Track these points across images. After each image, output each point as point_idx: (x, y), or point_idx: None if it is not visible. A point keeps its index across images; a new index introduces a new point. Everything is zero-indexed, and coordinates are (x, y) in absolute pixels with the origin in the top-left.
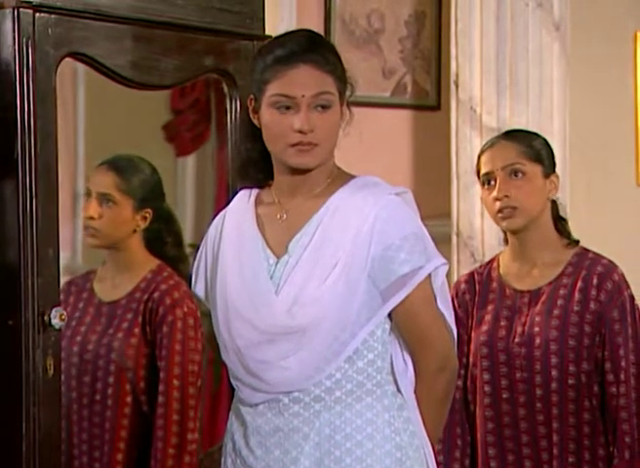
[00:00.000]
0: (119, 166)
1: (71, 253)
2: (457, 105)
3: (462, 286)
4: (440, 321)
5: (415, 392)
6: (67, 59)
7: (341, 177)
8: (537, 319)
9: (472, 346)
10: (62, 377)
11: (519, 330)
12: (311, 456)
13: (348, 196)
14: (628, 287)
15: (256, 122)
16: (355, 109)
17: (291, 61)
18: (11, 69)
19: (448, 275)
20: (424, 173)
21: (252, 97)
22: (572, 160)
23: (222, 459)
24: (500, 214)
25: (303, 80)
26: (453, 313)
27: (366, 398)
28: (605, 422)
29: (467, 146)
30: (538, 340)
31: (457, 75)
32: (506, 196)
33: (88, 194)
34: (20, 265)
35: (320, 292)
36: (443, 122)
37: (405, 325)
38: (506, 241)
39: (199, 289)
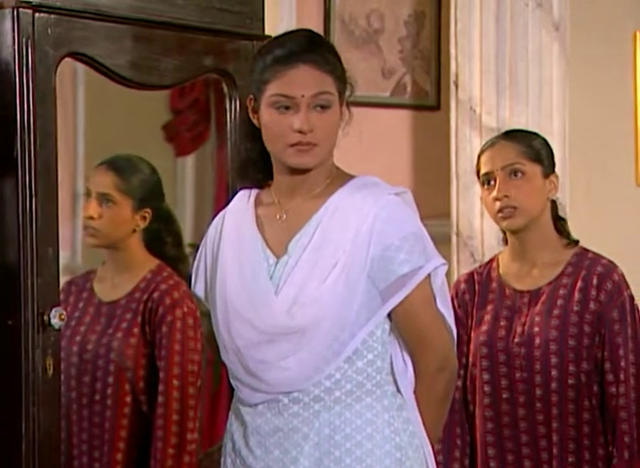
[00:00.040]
0: (119, 166)
1: (71, 252)
2: (456, 105)
3: (462, 286)
4: (440, 321)
5: (414, 392)
6: (67, 59)
7: (341, 178)
8: (536, 319)
9: (472, 346)
10: (62, 377)
11: (519, 330)
12: (311, 456)
13: (348, 196)
14: (628, 287)
15: (255, 122)
16: (355, 109)
17: (290, 61)
18: (10, 69)
19: (447, 275)
20: (424, 173)
21: (251, 96)
22: (571, 160)
23: (222, 459)
24: (499, 214)
25: (303, 80)
26: (452, 313)
27: (365, 398)
28: (604, 422)
29: (467, 146)
30: (537, 340)
31: (456, 75)
32: (506, 196)
33: (87, 194)
34: (19, 265)
35: (320, 293)
36: (443, 122)
37: (404, 325)
38: (506, 241)
39: (199, 289)
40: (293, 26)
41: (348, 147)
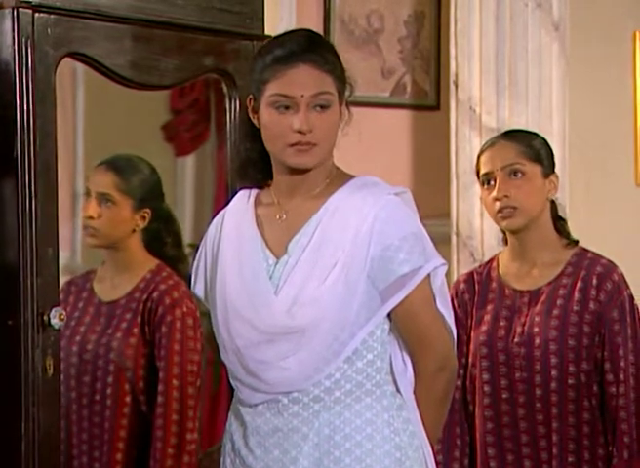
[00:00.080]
0: (118, 166)
1: (71, 252)
2: (456, 105)
3: (462, 285)
4: (439, 321)
5: (414, 392)
6: (67, 59)
7: (340, 178)
8: (536, 319)
9: (472, 346)
10: (62, 377)
11: (519, 330)
12: (310, 457)
13: (347, 196)
14: (628, 287)
15: (255, 122)
16: (354, 109)
17: (290, 61)
18: (10, 69)
19: (447, 275)
20: (424, 173)
21: (251, 96)
22: (571, 160)
23: (222, 459)
24: (499, 214)
25: (303, 80)
26: (452, 313)
27: (365, 398)
28: (604, 422)
29: (467, 146)
30: (537, 340)
31: (456, 75)
32: (506, 196)
33: (87, 194)
34: (19, 265)
35: (319, 293)
36: (442, 122)
37: (404, 325)
38: (506, 241)
39: (198, 289)
40: (293, 26)
41: (348, 147)
